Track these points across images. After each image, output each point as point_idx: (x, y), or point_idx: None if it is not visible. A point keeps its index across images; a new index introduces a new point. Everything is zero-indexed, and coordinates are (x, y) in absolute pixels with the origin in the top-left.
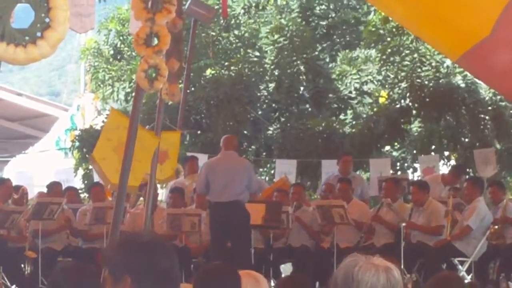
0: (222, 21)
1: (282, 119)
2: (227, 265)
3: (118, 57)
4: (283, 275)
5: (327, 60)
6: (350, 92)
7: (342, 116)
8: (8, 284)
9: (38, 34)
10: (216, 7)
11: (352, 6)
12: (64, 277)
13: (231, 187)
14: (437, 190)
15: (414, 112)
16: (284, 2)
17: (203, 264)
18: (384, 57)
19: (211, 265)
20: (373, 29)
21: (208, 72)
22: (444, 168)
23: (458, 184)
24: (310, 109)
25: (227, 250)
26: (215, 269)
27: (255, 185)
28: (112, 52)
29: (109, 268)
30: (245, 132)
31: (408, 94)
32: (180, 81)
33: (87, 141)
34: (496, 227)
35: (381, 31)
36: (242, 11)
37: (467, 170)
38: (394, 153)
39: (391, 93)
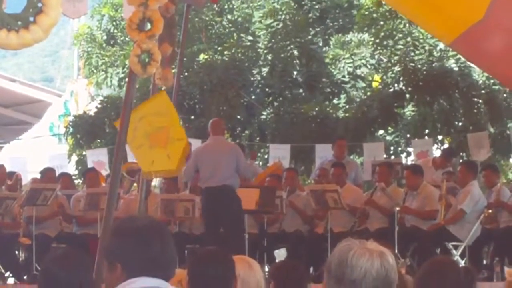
0: (215, 6)
1: (276, 104)
2: (221, 250)
3: (111, 43)
4: (277, 261)
5: (320, 44)
6: (344, 76)
7: (335, 101)
8: (2, 270)
9: (31, 19)
10: None
11: None
12: (57, 263)
13: (218, 171)
14: (429, 174)
15: (407, 96)
16: None
17: (196, 249)
18: (377, 41)
19: (205, 250)
20: (366, 13)
21: (201, 57)
22: (437, 152)
23: (450, 167)
24: (303, 94)
25: (220, 235)
26: (209, 254)
27: (244, 170)
28: (105, 37)
29: (104, 256)
30: (239, 117)
31: (401, 78)
32: (173, 66)
33: (80, 127)
34: (490, 211)
35: (374, 15)
36: None
37: (461, 153)
38: (388, 137)
39: (384, 77)
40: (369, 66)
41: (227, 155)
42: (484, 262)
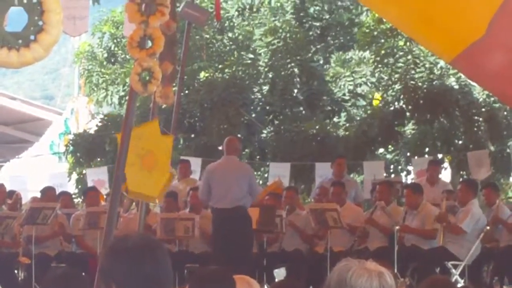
0: (216, 24)
1: (276, 122)
2: (222, 269)
3: (112, 60)
4: (276, 280)
5: (321, 62)
6: (344, 94)
7: (336, 119)
8: None
9: (32, 37)
10: (210, 9)
11: (346, 7)
12: (56, 283)
13: (231, 192)
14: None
15: (407, 114)
16: (278, 4)
17: (197, 268)
18: (378, 59)
19: (206, 269)
20: (367, 30)
21: (202, 75)
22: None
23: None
24: (304, 112)
25: (229, 256)
26: (210, 274)
27: (255, 192)
28: (106, 55)
29: (100, 276)
30: (239, 135)
31: (402, 96)
32: (174, 84)
33: (81, 146)
34: (488, 227)
35: (375, 33)
36: (236, 13)
37: (461, 172)
38: (388, 156)
39: (385, 95)
40: (369, 84)
41: (240, 176)
42: (484, 281)
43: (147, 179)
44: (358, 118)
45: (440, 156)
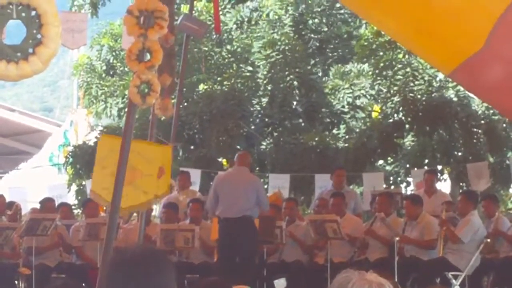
0: (214, 36)
1: (275, 134)
2: (221, 280)
3: (111, 73)
4: None
5: (320, 74)
6: (343, 106)
7: (335, 131)
8: None
9: (30, 50)
10: (209, 22)
11: (344, 20)
12: None
13: (238, 202)
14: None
15: (407, 126)
16: (277, 17)
17: (197, 279)
18: (376, 71)
19: (206, 280)
20: (366, 43)
21: (201, 87)
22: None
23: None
24: (303, 124)
25: (233, 265)
26: (209, 284)
27: (263, 204)
28: (104, 67)
29: None
30: (238, 147)
31: (401, 108)
32: (173, 96)
33: (80, 157)
34: (489, 240)
35: (374, 46)
36: (235, 26)
37: (460, 184)
38: (387, 168)
39: (384, 107)
40: (368, 97)
41: (249, 187)
42: None
43: (131, 192)
44: (357, 130)
45: (439, 167)
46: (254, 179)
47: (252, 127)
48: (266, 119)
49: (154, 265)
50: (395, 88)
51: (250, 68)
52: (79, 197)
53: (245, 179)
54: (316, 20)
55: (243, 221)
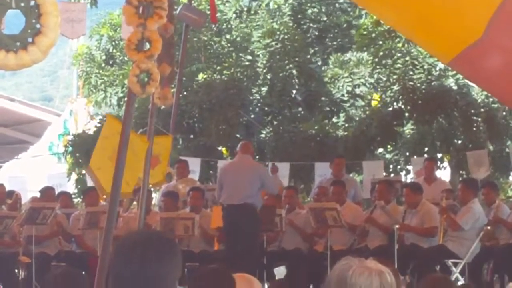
0: (213, 26)
1: (275, 123)
2: (222, 268)
3: (110, 62)
4: (276, 278)
5: (319, 63)
6: (343, 95)
7: (334, 119)
8: None
9: (29, 40)
10: (208, 12)
11: (344, 9)
12: (56, 282)
13: (240, 189)
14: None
15: (406, 114)
16: (276, 6)
17: (197, 267)
18: (376, 60)
19: (206, 268)
20: (365, 32)
21: (200, 76)
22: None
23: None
24: (302, 112)
25: (238, 253)
26: (210, 273)
27: (271, 187)
28: (104, 57)
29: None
30: (238, 135)
31: (400, 97)
32: (172, 86)
33: (80, 146)
34: (489, 228)
35: (373, 35)
36: (234, 15)
37: (460, 172)
38: (387, 156)
39: (383, 96)
40: (368, 85)
41: (251, 174)
42: (484, 279)
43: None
44: (357, 119)
45: (439, 155)
46: (256, 166)
47: (252, 116)
48: (266, 108)
49: (153, 250)
50: (395, 76)
51: (249, 57)
52: (79, 186)
53: (248, 166)
54: (316, 9)
55: (245, 209)
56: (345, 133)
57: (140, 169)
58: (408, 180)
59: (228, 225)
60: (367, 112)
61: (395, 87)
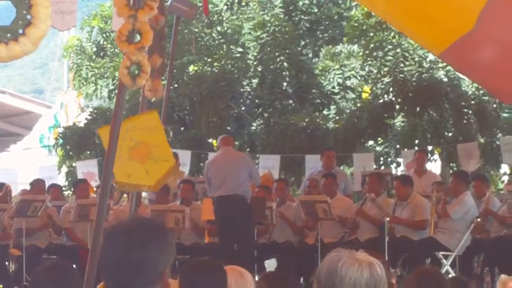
0: (204, 18)
1: (266, 115)
2: (213, 260)
3: (101, 54)
4: (267, 271)
5: (310, 55)
6: (333, 87)
7: (325, 112)
8: None
9: (20, 31)
10: (199, 4)
11: (335, 1)
12: (46, 275)
13: (229, 180)
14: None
15: (397, 107)
16: None
17: (187, 260)
18: (367, 52)
19: (197, 260)
20: (356, 24)
21: (191, 68)
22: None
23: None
24: (293, 105)
25: (232, 246)
26: (201, 265)
27: (256, 177)
28: (95, 49)
29: None
30: (229, 128)
31: (391, 89)
32: (163, 78)
33: (70, 139)
34: (479, 220)
35: (364, 27)
36: (225, 7)
37: (451, 164)
38: (378, 148)
39: (374, 88)
40: (358, 77)
41: (237, 163)
42: (475, 272)
43: (138, 170)
44: (348, 111)
45: (430, 148)
46: (242, 155)
47: (243, 108)
48: (257, 100)
49: (137, 235)
50: (386, 69)
51: (240, 50)
52: (69, 179)
53: (234, 157)
54: (307, 1)
55: (237, 200)
56: (336, 126)
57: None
58: (399, 173)
59: (220, 217)
60: (358, 105)
61: (386, 79)
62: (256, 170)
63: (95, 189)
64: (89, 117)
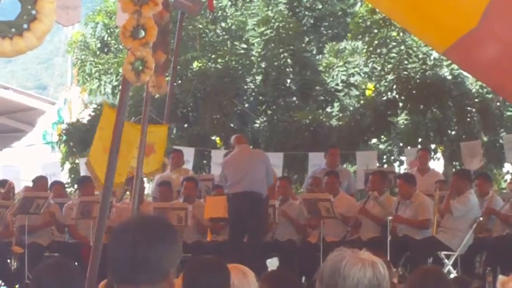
0: (209, 14)
1: (269, 112)
2: (216, 259)
3: (105, 50)
4: (269, 270)
5: (314, 52)
6: (337, 84)
7: (329, 109)
8: None
9: (25, 26)
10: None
11: None
12: (48, 272)
13: (246, 177)
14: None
15: (400, 104)
16: None
17: (190, 258)
18: (371, 49)
19: (200, 259)
20: (360, 21)
21: (195, 64)
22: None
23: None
24: (297, 102)
25: (241, 243)
26: (204, 263)
27: (271, 176)
28: (99, 45)
29: None
30: (232, 125)
31: (394, 87)
32: (167, 74)
33: (74, 135)
34: (481, 218)
35: (368, 23)
36: (229, 3)
37: (454, 163)
38: (381, 146)
39: (377, 85)
40: (362, 74)
41: (256, 161)
42: (477, 271)
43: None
44: (351, 108)
45: (433, 146)
46: (259, 153)
47: (246, 105)
48: (260, 97)
49: (144, 233)
50: (389, 66)
51: (244, 46)
52: (72, 175)
53: (250, 154)
54: None
55: (253, 197)
56: (339, 123)
57: (132, 158)
58: (402, 171)
59: (234, 212)
60: (361, 102)
61: (390, 77)
62: (272, 169)
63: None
64: (92, 114)
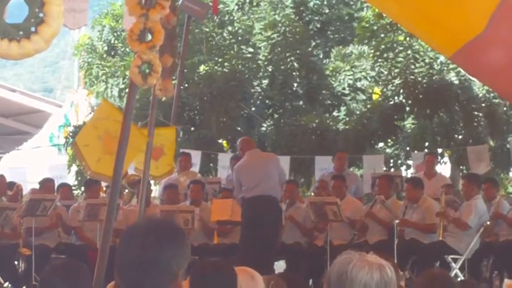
0: (215, 18)
1: (276, 116)
2: (223, 261)
3: (112, 53)
4: (276, 273)
5: (321, 56)
6: (344, 88)
7: (335, 113)
8: (2, 281)
9: (32, 29)
10: (210, 3)
11: (346, 2)
12: (55, 274)
13: (262, 182)
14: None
15: (407, 108)
16: None
17: (196, 261)
18: (377, 53)
19: (207, 261)
20: (367, 25)
21: (202, 68)
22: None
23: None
24: (303, 106)
25: (254, 246)
26: (211, 266)
27: (283, 178)
28: (106, 48)
29: None
30: (239, 128)
31: (401, 91)
32: (174, 77)
33: None
34: (488, 223)
35: (375, 27)
36: (236, 7)
37: (461, 167)
38: (388, 150)
39: (384, 89)
40: (369, 79)
41: (270, 165)
42: (483, 275)
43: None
44: (358, 112)
45: (440, 150)
46: (272, 156)
47: (253, 108)
48: (267, 101)
49: (153, 235)
50: (396, 70)
51: (251, 50)
52: (79, 178)
53: (263, 158)
54: (317, 2)
55: (269, 201)
56: (346, 127)
57: (130, 160)
58: (408, 175)
59: (249, 216)
60: (368, 106)
61: (396, 81)
62: (284, 173)
63: (104, 188)
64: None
